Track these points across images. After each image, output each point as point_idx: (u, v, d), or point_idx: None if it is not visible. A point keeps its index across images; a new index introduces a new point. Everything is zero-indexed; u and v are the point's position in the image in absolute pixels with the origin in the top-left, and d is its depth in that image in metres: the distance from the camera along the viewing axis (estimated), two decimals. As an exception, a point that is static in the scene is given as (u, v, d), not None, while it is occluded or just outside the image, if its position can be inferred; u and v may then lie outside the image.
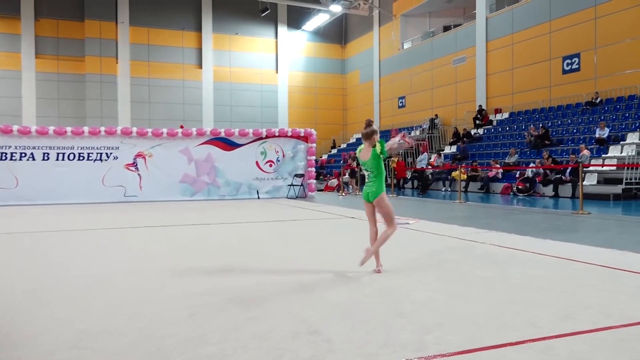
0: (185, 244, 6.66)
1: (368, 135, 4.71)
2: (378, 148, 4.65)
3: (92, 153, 14.73)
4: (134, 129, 15.09)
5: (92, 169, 14.65)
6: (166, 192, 15.20)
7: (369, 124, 4.69)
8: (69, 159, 14.55)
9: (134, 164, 15.05)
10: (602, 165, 14.43)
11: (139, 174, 15.05)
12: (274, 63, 35.78)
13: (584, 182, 13.39)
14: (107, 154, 14.83)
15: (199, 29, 33.65)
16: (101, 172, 14.73)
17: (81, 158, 14.63)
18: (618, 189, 13.96)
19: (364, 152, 4.76)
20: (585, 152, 15.57)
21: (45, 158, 14.37)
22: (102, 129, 14.86)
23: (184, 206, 13.21)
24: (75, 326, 3.23)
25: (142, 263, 5.32)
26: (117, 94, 31.60)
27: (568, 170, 15.04)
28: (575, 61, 20.15)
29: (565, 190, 15.06)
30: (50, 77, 30.58)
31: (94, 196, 14.52)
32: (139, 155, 15.09)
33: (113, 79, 31.46)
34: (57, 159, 14.46)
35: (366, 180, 4.82)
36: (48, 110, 30.45)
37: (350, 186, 19.30)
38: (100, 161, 14.78)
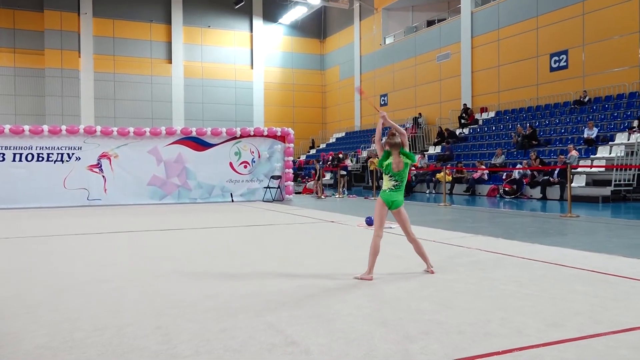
0: (153, 251, 6.58)
1: (398, 145, 4.83)
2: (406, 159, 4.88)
3: (52, 154, 14.48)
4: (98, 128, 14.88)
5: (52, 170, 14.40)
6: (133, 195, 15.02)
7: (392, 133, 4.86)
8: (27, 159, 14.28)
9: (98, 165, 14.85)
10: (591, 167, 14.72)
11: (103, 176, 14.85)
12: (249, 58, 35.67)
13: (572, 184, 13.65)
14: (68, 154, 14.59)
15: (168, 21, 33.36)
16: (62, 174, 14.49)
17: (40, 159, 14.37)
18: (607, 191, 14.25)
19: (395, 163, 4.85)
20: (574, 153, 15.86)
21: (1, 159, 14.08)
22: (63, 127, 14.62)
23: (152, 210, 13.06)
24: (34, 341, 3.15)
25: (105, 271, 5.23)
26: (80, 90, 31.11)
27: (556, 172, 15.30)
28: (563, 58, 20.54)
29: (553, 192, 15.33)
30: (6, 71, 29.96)
31: (55, 200, 14.27)
32: (103, 155, 14.89)
33: (75, 74, 30.97)
34: (14, 160, 14.17)
35: (389, 187, 4.90)
36: (4, 107, 29.82)
37: (317, 189, 19.49)
38: (61, 162, 14.54)
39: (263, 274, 5.03)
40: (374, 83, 32.65)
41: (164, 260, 5.87)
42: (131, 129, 15.14)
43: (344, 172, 22.67)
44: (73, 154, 14.63)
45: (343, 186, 22.80)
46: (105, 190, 14.84)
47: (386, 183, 4.96)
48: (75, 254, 6.39)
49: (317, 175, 19.98)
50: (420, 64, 28.41)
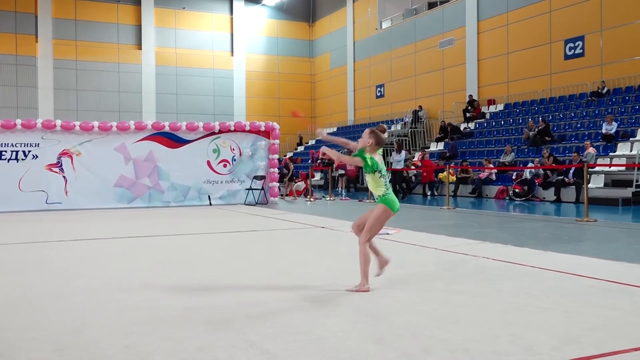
0: (120, 260, 6.55)
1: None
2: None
3: (5, 151, 14.34)
4: (58, 122, 14.77)
5: (5, 170, 14.26)
6: (98, 198, 14.94)
7: (382, 129, 4.91)
8: (-24, 158, 14.17)
9: (58, 165, 14.74)
10: (610, 165, 14.85)
11: (64, 177, 14.75)
12: (229, 44, 35.61)
13: (589, 185, 13.76)
14: (24, 152, 14.47)
15: (137, 1, 33.24)
16: (17, 174, 14.36)
17: (-8, 157, 14.26)
18: (628, 192, 14.38)
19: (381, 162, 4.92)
20: (591, 150, 15.99)
21: (-53, 157, 13.95)
22: (18, 121, 14.49)
23: (119, 215, 12.99)
24: (-16, 362, 3.13)
25: (66, 284, 5.20)
26: (37, 79, 30.86)
27: (571, 171, 15.42)
28: (578, 45, 20.71)
29: (568, 194, 15.44)
30: (-47, 58, 29.68)
31: (9, 203, 14.14)
32: (64, 153, 14.78)
33: (32, 61, 30.72)
34: (-38, 158, 14.04)
35: (387, 189, 4.86)
36: (-50, 98, 29.54)
37: (288, 190, 19.61)
38: (15, 161, 14.41)
39: (245, 286, 5.02)
40: (368, 72, 32.74)
41: (133, 271, 5.84)
42: (96, 124, 15.04)
43: (343, 172, 22.72)
44: (29, 151, 14.51)
45: (343, 187, 22.83)
46: (66, 192, 14.73)
47: (381, 186, 4.85)
48: (31, 265, 6.34)
49: (289, 177, 20.11)
50: (420, 50, 28.52)
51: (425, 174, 19.33)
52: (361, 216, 4.99)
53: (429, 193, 19.52)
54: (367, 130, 4.92)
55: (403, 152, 19.18)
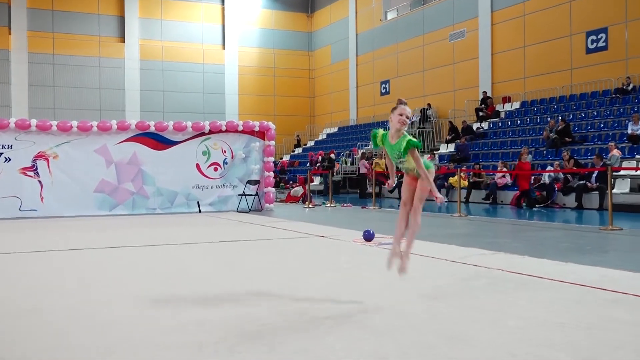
0: (99, 273, 6.55)
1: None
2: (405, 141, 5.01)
3: (-24, 153, 14.37)
4: (34, 122, 14.78)
5: (-24, 174, 14.27)
6: (76, 205, 14.92)
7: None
8: (-56, 161, 14.18)
9: (33, 168, 14.73)
10: (636, 169, 14.85)
11: (39, 181, 14.74)
12: (220, 36, 35.68)
13: (614, 190, 13.77)
14: (-4, 154, 14.49)
15: (120, -10, 33.29)
16: (-12, 178, 14.36)
17: (-39, 160, 14.27)
18: (655, 198, 14.38)
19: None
20: (615, 152, 16.00)
21: None
22: (-10, 121, 14.51)
23: (100, 223, 12.97)
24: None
25: (38, 300, 5.19)
26: (10, 74, 30.89)
27: (594, 175, 15.43)
28: (601, 37, 20.76)
29: (591, 200, 15.45)
30: None
31: (-21, 210, 14.14)
32: (39, 156, 14.78)
33: (4, 55, 30.75)
34: None
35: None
36: None
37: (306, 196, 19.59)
38: (-13, 164, 14.42)
39: (237, 300, 5.01)
40: (372, 67, 32.79)
41: (113, 285, 5.83)
42: (74, 123, 15.04)
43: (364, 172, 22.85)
44: (1, 154, 14.50)
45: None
46: (41, 198, 14.72)
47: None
48: (0, 280, 6.33)
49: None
50: (429, 43, 28.59)
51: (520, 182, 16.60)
52: (405, 192, 5.19)
53: (524, 204, 16.59)
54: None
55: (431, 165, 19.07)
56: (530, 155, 18.66)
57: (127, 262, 7.47)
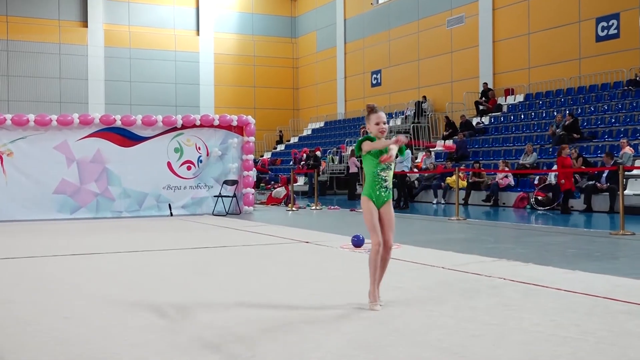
0: (58, 283, 6.51)
1: None
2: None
3: None
4: (-14, 115, 14.68)
5: None
6: (34, 208, 14.82)
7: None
8: None
9: (-15, 166, 14.65)
10: (650, 168, 14.95)
11: (-8, 181, 14.65)
12: (194, 21, 35.57)
13: (626, 192, 13.87)
14: (-57, 151, 14.38)
15: (83, -31, 33.09)
16: None
17: None
18: (671, 200, 14.50)
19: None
20: (628, 150, 16.10)
21: None
22: (-63, 114, 14.38)
23: (60, 228, 12.88)
24: None
25: (-4, 312, 5.15)
26: (-40, 62, 30.58)
27: (604, 175, 15.52)
28: (613, 24, 20.91)
29: (601, 202, 15.54)
30: None
31: None
32: (-8, 153, 14.70)
33: (-46, 41, 30.45)
34: None
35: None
36: None
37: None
38: None
39: (211, 312, 4.99)
40: (362, 56, 32.82)
41: (75, 296, 5.79)
42: (31, 117, 14.94)
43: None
44: (-50, 150, 14.41)
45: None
46: (-5, 200, 14.63)
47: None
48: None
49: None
50: (425, 30, 28.67)
51: (563, 180, 15.55)
52: (382, 227, 5.18)
53: (572, 207, 15.95)
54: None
55: (407, 151, 18.83)
56: (535, 153, 18.75)
57: (88, 271, 7.41)
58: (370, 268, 5.06)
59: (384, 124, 5.06)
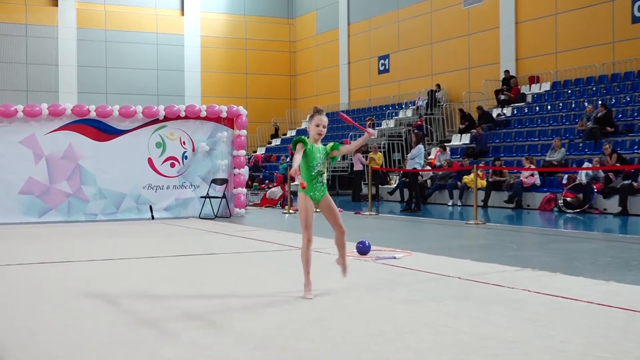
0: (23, 295, 6.51)
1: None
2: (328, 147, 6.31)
3: None
4: (-57, 105, 14.69)
5: None
6: (-3, 210, 14.86)
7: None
8: None
9: (-57, 163, 14.68)
10: (693, 166, 14.93)
11: (-50, 180, 14.68)
12: (178, 0, 35.55)
13: (666, 192, 13.83)
14: None
15: (53, -59, 33.11)
16: None
17: None
18: None
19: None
20: (667, 145, 16.08)
21: None
22: None
23: (27, 233, 12.89)
24: None
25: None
26: None
27: (641, 173, 15.51)
28: (651, 3, 20.85)
29: (637, 203, 15.54)
30: None
31: None
32: (-50, 148, 14.72)
33: None
34: None
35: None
36: None
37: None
38: None
39: (196, 328, 4.99)
40: (368, 39, 32.80)
41: (44, 309, 5.79)
42: (-6, 107, 14.97)
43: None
44: None
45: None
46: (-47, 201, 14.66)
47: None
48: None
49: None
50: (438, 9, 28.63)
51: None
52: (330, 218, 6.36)
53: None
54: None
55: (420, 146, 18.46)
56: (563, 149, 18.73)
57: (59, 281, 7.40)
58: (303, 262, 6.17)
59: (324, 127, 6.07)
